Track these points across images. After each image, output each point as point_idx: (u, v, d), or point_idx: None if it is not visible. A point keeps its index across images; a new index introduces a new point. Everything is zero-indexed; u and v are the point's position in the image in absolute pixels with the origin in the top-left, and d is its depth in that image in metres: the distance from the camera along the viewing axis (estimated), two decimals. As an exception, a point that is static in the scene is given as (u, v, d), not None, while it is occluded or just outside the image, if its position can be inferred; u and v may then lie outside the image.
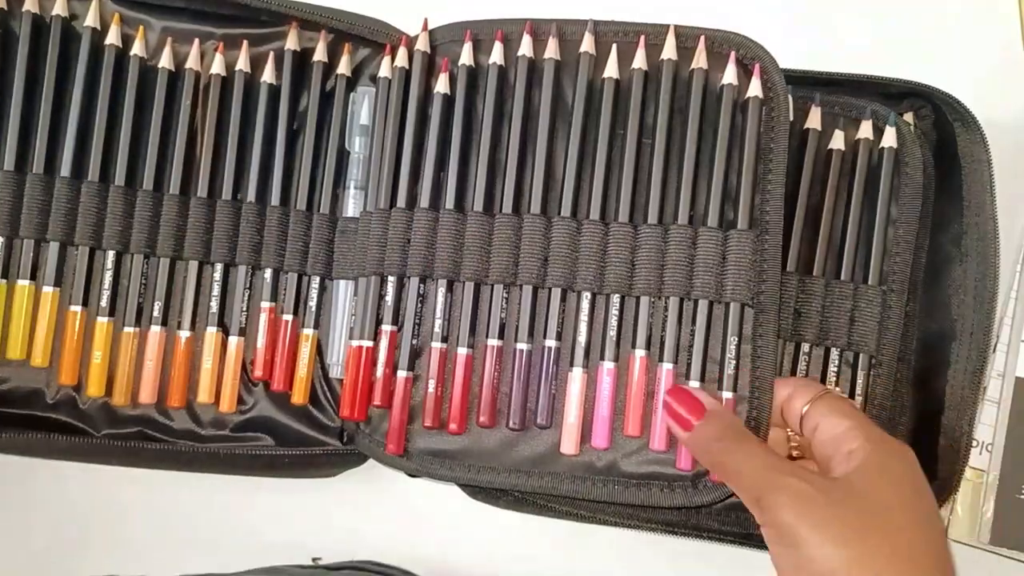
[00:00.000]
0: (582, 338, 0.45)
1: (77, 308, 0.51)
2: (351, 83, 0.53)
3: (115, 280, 0.51)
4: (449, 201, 0.48)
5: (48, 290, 0.51)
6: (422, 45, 0.49)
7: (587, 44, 0.47)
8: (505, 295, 0.47)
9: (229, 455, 0.51)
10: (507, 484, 0.46)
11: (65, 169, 0.51)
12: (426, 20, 0.50)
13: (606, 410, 0.45)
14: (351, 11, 0.52)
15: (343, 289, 0.52)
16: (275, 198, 0.52)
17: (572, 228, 0.46)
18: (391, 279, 0.48)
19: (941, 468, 0.48)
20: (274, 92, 0.52)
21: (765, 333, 0.43)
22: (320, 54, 0.52)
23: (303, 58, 0.53)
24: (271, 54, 0.52)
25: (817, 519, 0.36)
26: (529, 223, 0.46)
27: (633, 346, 0.45)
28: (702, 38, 0.45)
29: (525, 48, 0.47)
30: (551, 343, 0.46)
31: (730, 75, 0.45)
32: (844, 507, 0.36)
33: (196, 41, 0.52)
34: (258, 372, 0.52)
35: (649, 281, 0.44)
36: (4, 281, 0.51)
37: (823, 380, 0.48)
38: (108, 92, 0.51)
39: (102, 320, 0.51)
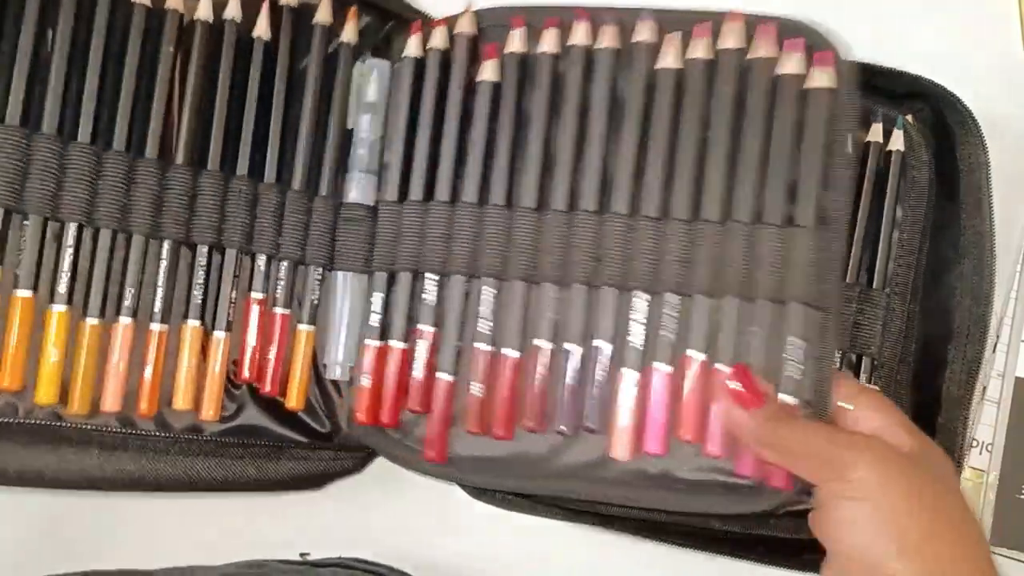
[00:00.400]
0: (635, 339, 0.44)
1: (26, 293, 0.42)
2: (356, 53, 0.48)
3: (75, 260, 0.43)
4: (498, 196, 0.44)
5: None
6: (466, 27, 0.45)
7: (645, 32, 0.45)
8: (556, 295, 0.44)
9: (217, 456, 0.45)
10: (556, 492, 0.44)
11: (11, 117, 0.41)
12: (470, 2, 0.46)
13: (660, 414, 0.44)
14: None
15: (345, 281, 0.47)
16: (270, 174, 0.46)
17: (627, 225, 0.44)
18: (430, 276, 0.44)
19: None
20: (269, 50, 0.46)
21: (827, 335, 0.43)
22: (323, 14, 0.47)
23: (299, 16, 0.47)
24: (265, 4, 0.46)
25: (895, 473, 0.37)
26: (583, 220, 0.44)
27: (688, 347, 0.44)
28: (772, 25, 0.44)
29: (580, 37, 0.45)
30: (603, 344, 0.44)
31: (794, 65, 0.43)
32: (918, 471, 0.37)
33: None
34: (246, 373, 0.46)
35: (707, 280, 0.43)
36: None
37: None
38: (68, 28, 0.42)
39: (58, 308, 0.43)
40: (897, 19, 0.55)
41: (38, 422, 0.43)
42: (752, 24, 0.44)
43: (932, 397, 0.50)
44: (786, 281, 0.43)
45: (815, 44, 0.44)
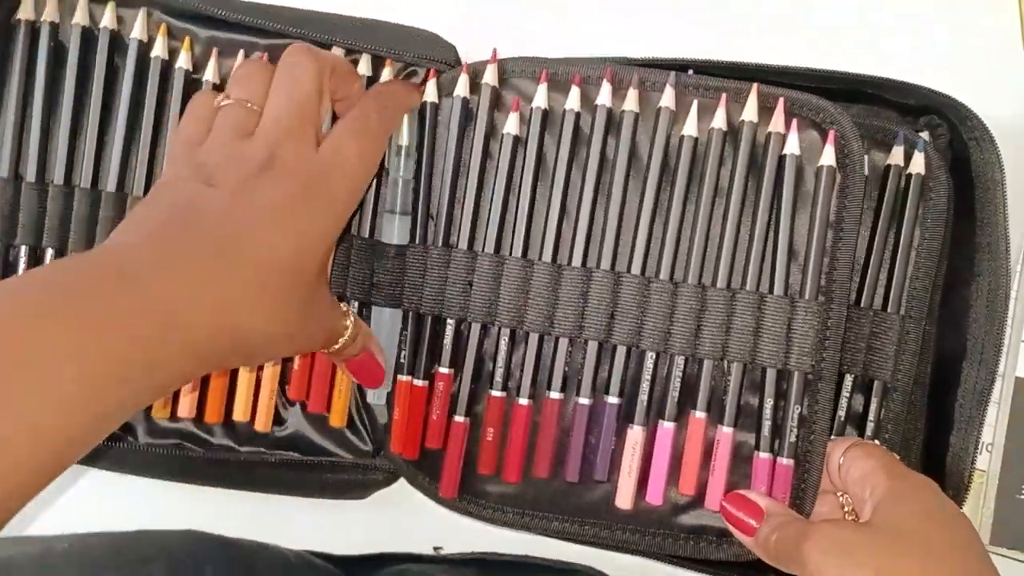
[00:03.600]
0: (644, 396, 0.46)
1: None
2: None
3: None
4: (516, 248, 0.47)
5: None
6: (490, 78, 0.47)
7: (667, 99, 0.45)
8: (569, 349, 0.47)
9: (262, 463, 0.52)
10: (559, 532, 0.48)
11: (111, 184, 0.50)
12: (495, 51, 0.47)
13: (663, 468, 0.46)
14: (401, 25, 0.50)
15: (380, 315, 0.51)
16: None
17: (642, 286, 0.46)
18: (450, 321, 0.47)
19: (948, 483, 0.48)
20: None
21: (821, 401, 0.45)
22: (364, 67, 0.50)
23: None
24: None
25: (848, 556, 0.38)
26: (599, 279, 0.46)
27: (694, 407, 0.46)
28: (781, 100, 0.45)
29: (604, 97, 0.46)
30: (614, 400, 0.46)
31: (793, 144, 0.44)
32: (872, 543, 0.38)
33: (241, 52, 0.49)
34: (293, 393, 0.51)
35: (715, 345, 0.45)
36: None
37: (834, 406, 0.48)
38: (153, 105, 0.49)
39: None
40: (897, 20, 0.54)
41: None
42: (770, 96, 0.45)
43: (944, 416, 0.49)
44: (789, 350, 0.44)
45: (826, 120, 0.44)
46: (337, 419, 0.52)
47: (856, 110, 0.50)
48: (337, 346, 0.42)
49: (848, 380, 0.48)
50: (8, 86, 0.50)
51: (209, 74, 0.49)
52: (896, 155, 0.47)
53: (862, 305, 0.47)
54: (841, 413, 0.47)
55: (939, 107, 0.48)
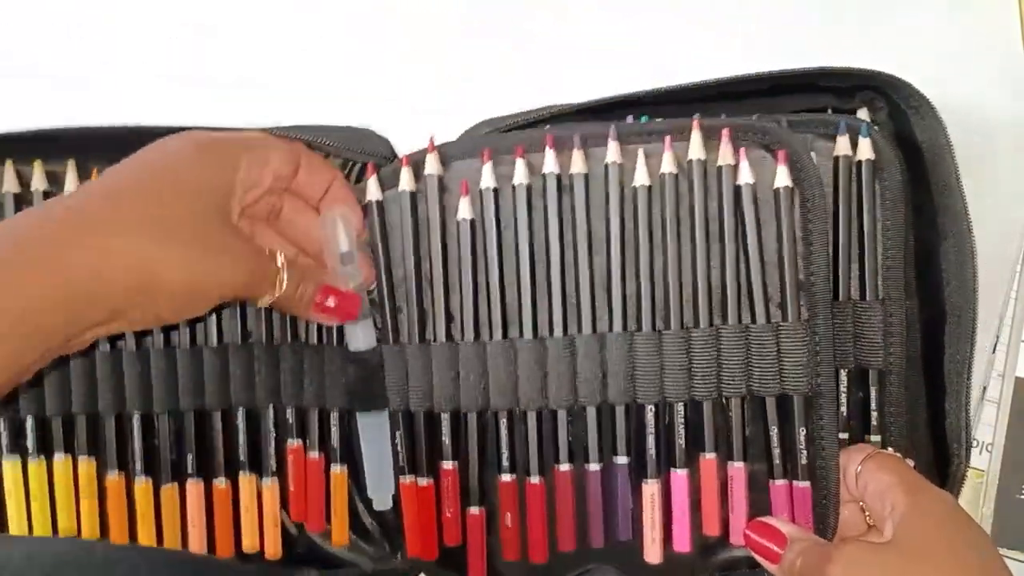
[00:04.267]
0: (652, 451, 0.46)
1: (114, 474, 0.51)
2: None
3: (146, 442, 0.51)
4: (496, 331, 0.46)
5: (84, 459, 0.51)
6: (433, 168, 0.46)
7: (612, 153, 0.45)
8: (569, 418, 0.46)
9: None
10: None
11: None
12: (432, 139, 0.47)
13: (684, 515, 0.46)
14: (333, 125, 0.49)
15: (365, 421, 0.49)
16: (287, 335, 0.50)
17: (626, 342, 0.45)
18: (444, 415, 0.47)
19: (952, 451, 0.48)
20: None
21: (825, 417, 0.45)
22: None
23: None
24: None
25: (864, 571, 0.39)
26: (583, 344, 0.45)
27: (702, 449, 0.46)
28: (725, 131, 0.45)
29: (550, 164, 0.45)
30: (622, 460, 0.46)
31: (745, 173, 0.44)
32: (895, 564, 0.39)
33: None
34: (295, 515, 0.50)
35: (709, 384, 0.45)
36: (43, 457, 0.51)
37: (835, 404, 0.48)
38: None
39: (140, 481, 0.51)
40: (897, 19, 0.55)
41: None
42: (713, 129, 0.45)
43: (939, 384, 0.49)
44: (783, 375, 0.45)
45: (773, 142, 0.45)
46: (339, 537, 0.51)
47: (791, 101, 0.50)
48: (283, 291, 0.42)
49: (843, 375, 0.47)
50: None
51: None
52: (842, 145, 0.47)
53: (840, 298, 0.47)
54: (843, 408, 0.47)
55: (872, 82, 0.49)
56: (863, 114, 0.50)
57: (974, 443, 0.50)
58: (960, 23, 0.54)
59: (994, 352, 0.52)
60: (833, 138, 0.47)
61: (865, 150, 0.46)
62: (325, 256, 0.45)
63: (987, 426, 0.51)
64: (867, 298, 0.46)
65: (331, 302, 0.44)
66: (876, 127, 0.48)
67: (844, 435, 0.46)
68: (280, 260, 0.42)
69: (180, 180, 0.39)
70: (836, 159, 0.47)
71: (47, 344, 0.36)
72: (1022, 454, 0.50)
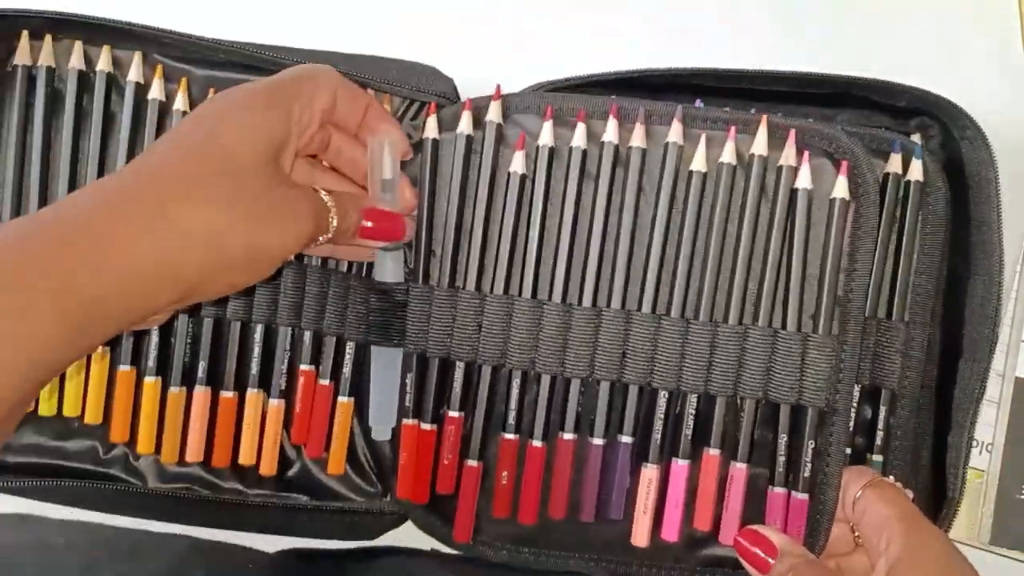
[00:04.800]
0: (658, 435, 0.46)
1: (126, 367, 0.51)
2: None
3: (161, 341, 0.51)
4: (526, 289, 0.46)
5: (99, 350, 0.51)
6: (495, 115, 0.46)
7: (675, 134, 0.45)
8: (582, 389, 0.46)
9: (270, 507, 0.51)
10: (576, 568, 0.47)
11: None
12: (499, 87, 0.46)
13: (678, 505, 0.46)
14: (398, 59, 0.49)
15: (379, 354, 0.49)
16: (317, 258, 0.49)
17: (653, 325, 0.45)
18: (460, 364, 0.46)
19: (949, 485, 0.48)
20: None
21: (836, 434, 0.44)
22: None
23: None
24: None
25: None
26: (610, 319, 0.45)
27: (708, 444, 0.46)
28: (792, 132, 0.44)
29: (611, 134, 0.45)
30: (627, 439, 0.46)
31: (805, 178, 0.44)
32: None
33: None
34: (295, 437, 0.50)
35: (727, 382, 0.45)
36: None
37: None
38: None
39: (150, 379, 0.51)
40: (897, 19, 0.54)
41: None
42: (779, 127, 0.44)
43: (947, 416, 0.48)
44: (803, 386, 0.44)
45: (836, 151, 0.44)
46: (335, 466, 0.51)
47: (847, 115, 0.50)
48: (335, 224, 0.41)
49: (856, 389, 0.47)
50: (6, 132, 0.49)
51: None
52: (894, 163, 0.46)
53: (866, 315, 0.46)
54: (850, 424, 0.46)
55: (929, 107, 0.48)
56: (916, 139, 0.49)
57: (974, 443, 0.50)
58: (960, 23, 0.54)
59: (994, 352, 0.50)
60: (883, 155, 0.47)
61: (916, 171, 0.46)
62: (368, 182, 0.45)
63: (987, 426, 0.50)
64: (893, 318, 0.46)
65: (372, 223, 0.43)
66: (933, 160, 0.48)
67: (847, 450, 0.46)
68: (328, 201, 0.41)
69: (232, 146, 0.38)
70: (886, 176, 0.46)
71: (119, 327, 0.35)
72: (1022, 454, 0.50)
